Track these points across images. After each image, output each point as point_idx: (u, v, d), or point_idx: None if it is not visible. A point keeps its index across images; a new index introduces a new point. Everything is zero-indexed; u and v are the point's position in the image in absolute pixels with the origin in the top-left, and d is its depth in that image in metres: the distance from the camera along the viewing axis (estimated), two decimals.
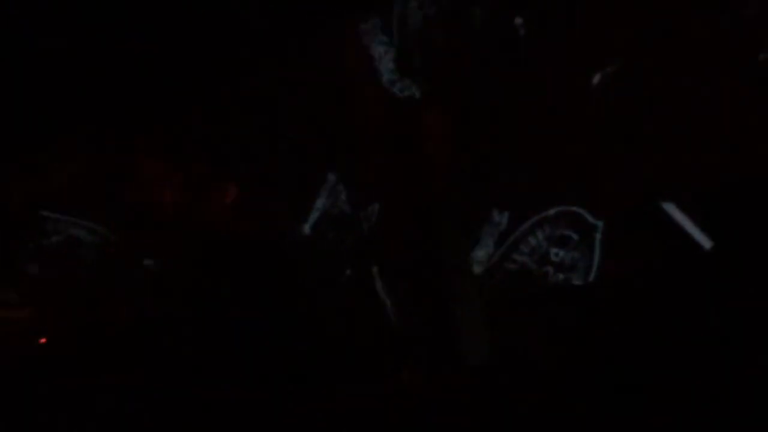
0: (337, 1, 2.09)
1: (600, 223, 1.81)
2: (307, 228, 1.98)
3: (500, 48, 2.00)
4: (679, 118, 1.79)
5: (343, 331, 1.85)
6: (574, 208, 1.84)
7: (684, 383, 1.67)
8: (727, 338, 1.65)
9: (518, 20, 1.95)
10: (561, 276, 1.83)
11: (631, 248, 1.77)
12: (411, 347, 1.83)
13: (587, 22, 1.85)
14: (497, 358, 1.78)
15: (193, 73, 2.06)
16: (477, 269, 1.90)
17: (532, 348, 1.76)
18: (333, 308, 1.88)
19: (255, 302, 1.85)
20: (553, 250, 1.86)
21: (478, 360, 1.80)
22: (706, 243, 1.71)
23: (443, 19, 2.09)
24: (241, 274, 1.86)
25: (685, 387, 1.67)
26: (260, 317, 1.82)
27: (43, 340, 2.22)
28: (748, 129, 1.71)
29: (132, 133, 2.09)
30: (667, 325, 1.71)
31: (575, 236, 1.83)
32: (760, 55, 1.73)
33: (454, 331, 1.83)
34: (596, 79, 1.84)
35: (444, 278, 1.88)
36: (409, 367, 1.80)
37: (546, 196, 1.87)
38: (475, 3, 2.07)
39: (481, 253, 1.91)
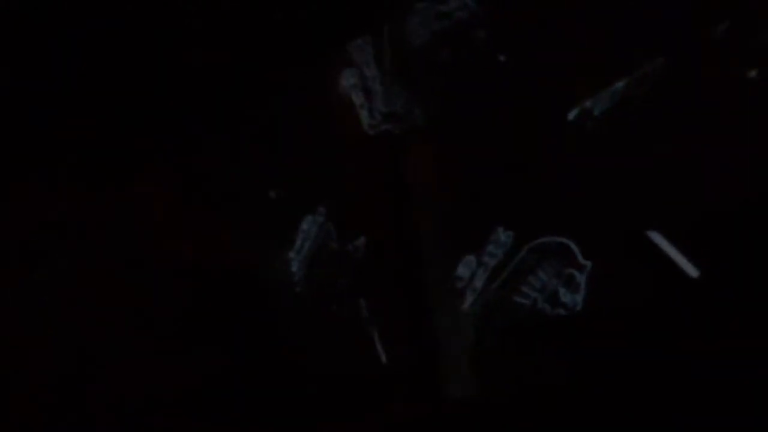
0: (326, 29, 2.27)
1: (589, 264, 1.98)
2: (295, 263, 2.13)
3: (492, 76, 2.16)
4: (666, 147, 1.96)
5: (330, 364, 1.98)
6: (566, 241, 1.99)
7: (673, 413, 1.83)
8: (715, 366, 1.81)
9: (501, 57, 2.12)
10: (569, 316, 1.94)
11: (619, 278, 1.93)
12: (396, 380, 1.97)
13: (573, 55, 2.04)
14: (485, 390, 1.93)
15: (183, 117, 2.23)
16: (472, 296, 2.06)
17: (520, 380, 1.92)
18: (319, 341, 2.02)
19: (239, 337, 2.00)
20: (562, 290, 1.97)
21: (464, 393, 1.95)
22: (692, 272, 1.87)
23: (452, 36, 2.23)
24: (226, 310, 2.01)
25: (675, 416, 1.83)
26: (244, 352, 1.97)
27: None
28: (734, 158, 1.88)
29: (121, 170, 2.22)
30: (657, 355, 1.86)
31: (578, 276, 1.99)
32: (749, 74, 1.91)
33: (440, 363, 1.99)
34: (574, 113, 2.03)
35: (431, 310, 2.04)
36: (394, 400, 1.95)
37: (538, 225, 2.02)
38: (480, 25, 2.22)
39: (478, 282, 2.06)
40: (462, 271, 2.02)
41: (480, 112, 2.13)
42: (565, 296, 1.96)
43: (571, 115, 2.00)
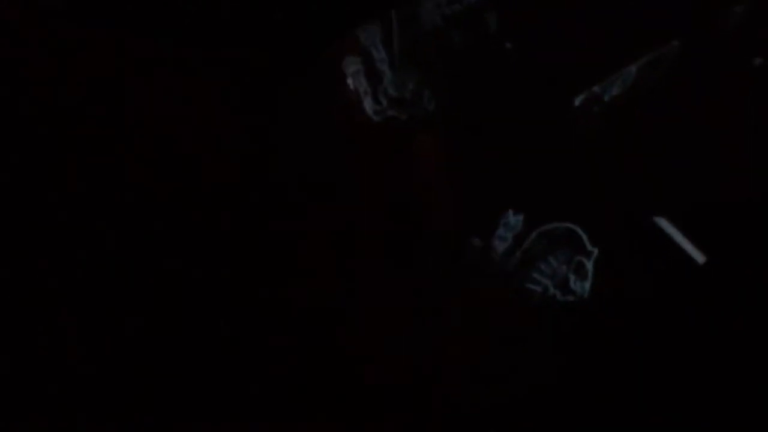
0: (336, 15, 2.27)
1: (595, 250, 1.99)
2: None
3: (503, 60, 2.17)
4: (675, 132, 1.97)
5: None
6: (574, 227, 2.01)
7: (680, 397, 1.85)
8: (722, 352, 1.83)
9: (508, 44, 2.13)
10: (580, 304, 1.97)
11: (625, 265, 1.95)
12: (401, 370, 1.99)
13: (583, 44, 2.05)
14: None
15: None
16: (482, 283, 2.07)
17: (527, 363, 1.94)
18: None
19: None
20: (572, 277, 1.99)
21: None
22: (699, 258, 1.89)
23: (464, 20, 2.24)
24: None
25: (681, 401, 1.85)
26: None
27: None
28: (743, 144, 1.89)
29: None
30: (664, 340, 1.89)
31: (586, 264, 2.01)
32: (755, 61, 1.93)
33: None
34: (581, 98, 2.05)
35: (439, 299, 2.05)
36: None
37: (547, 210, 2.04)
38: (490, 8, 2.23)
39: (489, 268, 2.07)
40: (470, 254, 2.03)
41: (489, 95, 2.14)
42: (575, 284, 1.97)
43: (578, 101, 2.01)
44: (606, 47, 2.03)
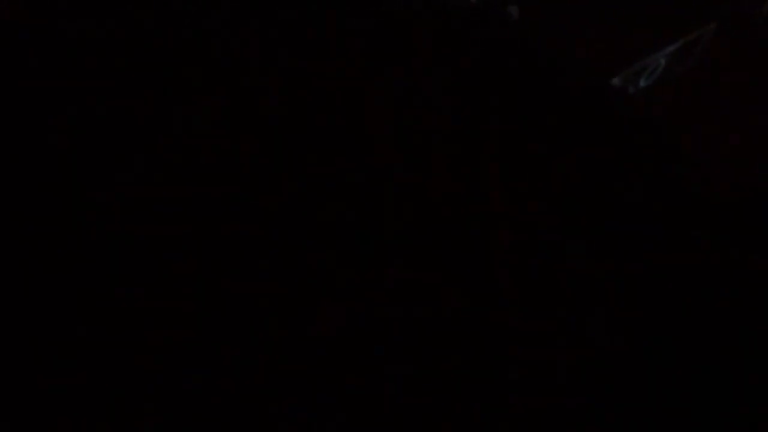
0: None
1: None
2: None
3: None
4: (694, 119, 1.92)
5: None
6: None
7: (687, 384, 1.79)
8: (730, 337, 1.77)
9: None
10: None
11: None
12: None
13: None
14: None
15: None
16: None
17: None
18: None
19: None
20: None
21: None
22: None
23: (488, 11, 2.23)
24: None
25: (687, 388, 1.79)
26: None
27: None
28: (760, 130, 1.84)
29: None
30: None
31: None
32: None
33: None
34: (618, 80, 1.99)
35: None
36: None
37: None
38: (512, 1, 2.22)
39: None
40: None
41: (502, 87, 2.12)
42: None
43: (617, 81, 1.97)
44: (630, 36, 1.99)
